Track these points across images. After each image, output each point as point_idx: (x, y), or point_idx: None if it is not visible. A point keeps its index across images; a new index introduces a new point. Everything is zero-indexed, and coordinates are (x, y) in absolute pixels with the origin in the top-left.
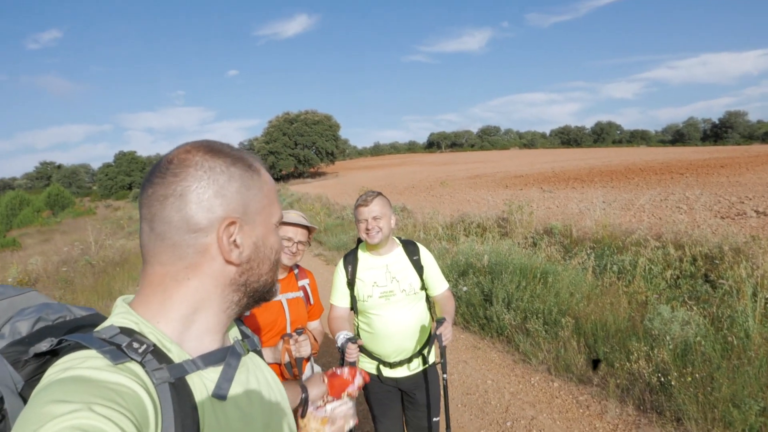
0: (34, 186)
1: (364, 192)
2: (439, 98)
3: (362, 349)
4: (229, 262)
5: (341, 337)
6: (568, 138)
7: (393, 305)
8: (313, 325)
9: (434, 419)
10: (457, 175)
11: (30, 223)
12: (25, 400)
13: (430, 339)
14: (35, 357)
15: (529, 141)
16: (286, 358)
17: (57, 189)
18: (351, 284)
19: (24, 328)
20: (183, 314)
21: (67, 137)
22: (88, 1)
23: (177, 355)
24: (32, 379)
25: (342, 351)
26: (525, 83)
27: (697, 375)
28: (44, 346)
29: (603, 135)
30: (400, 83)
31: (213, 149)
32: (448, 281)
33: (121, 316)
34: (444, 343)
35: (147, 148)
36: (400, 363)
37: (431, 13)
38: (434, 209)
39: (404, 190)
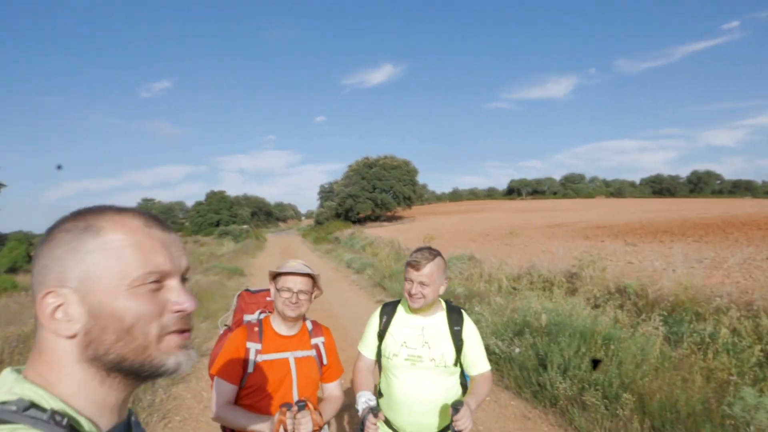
0: None
1: (422, 247)
2: (521, 144)
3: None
4: (58, 335)
5: (363, 401)
6: (660, 187)
7: (418, 372)
8: (331, 388)
9: None
10: (535, 223)
11: None
12: None
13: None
14: None
15: (616, 189)
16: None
17: None
18: (381, 336)
19: None
20: (71, 387)
21: (169, 176)
22: (196, 56)
23: (86, 427)
24: None
25: (362, 421)
26: (613, 130)
27: None
28: None
29: (700, 185)
30: (482, 129)
31: (65, 217)
32: (503, 339)
33: (21, 388)
34: (462, 430)
35: (237, 187)
36: None
37: (515, 61)
38: (502, 259)
39: (477, 237)
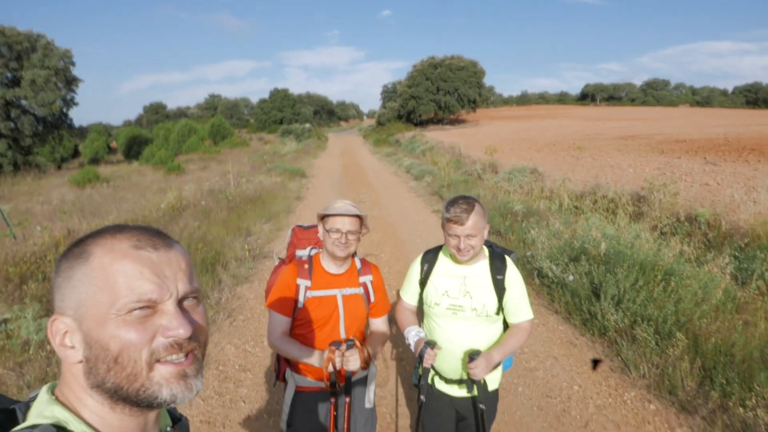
0: (203, 116)
1: (457, 198)
2: (601, 45)
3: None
4: (66, 362)
5: (413, 335)
6: (755, 97)
7: (459, 321)
8: (377, 323)
9: None
10: (607, 134)
11: (195, 150)
12: None
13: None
14: None
15: (704, 98)
16: (330, 368)
17: (219, 120)
18: (422, 284)
19: None
20: (99, 414)
21: (234, 71)
22: None
23: None
24: None
25: (420, 355)
26: (710, 29)
27: None
28: None
29: None
30: (560, 26)
31: (71, 244)
32: (557, 264)
33: (51, 410)
34: (475, 379)
35: (300, 85)
36: (458, 382)
37: None
38: (566, 175)
39: (543, 146)
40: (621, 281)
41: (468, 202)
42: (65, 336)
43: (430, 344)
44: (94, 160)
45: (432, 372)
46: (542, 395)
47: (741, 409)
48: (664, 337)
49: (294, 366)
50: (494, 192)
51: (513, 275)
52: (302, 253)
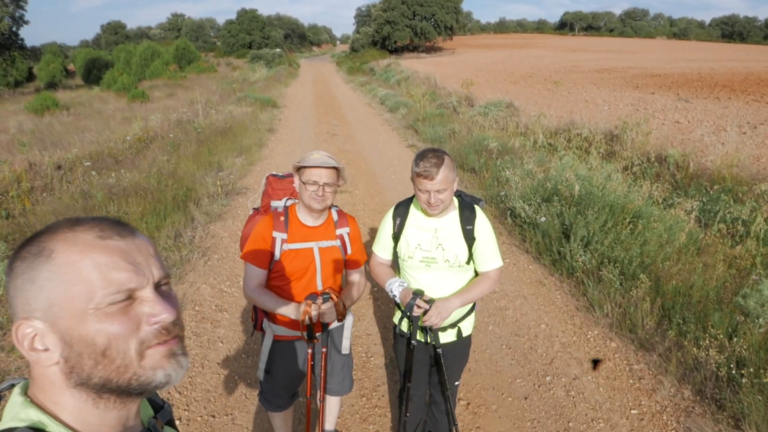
0: (166, 37)
1: (425, 151)
2: None
3: (397, 305)
4: (40, 366)
5: (396, 285)
6: (731, 31)
7: (433, 272)
8: (354, 274)
9: (455, 383)
10: (583, 67)
11: (159, 75)
12: None
13: (467, 314)
14: None
15: (681, 30)
16: (306, 320)
17: (184, 43)
18: (396, 238)
19: None
20: (81, 410)
21: None
22: None
23: None
24: None
25: (409, 305)
26: None
27: None
28: None
29: None
30: None
31: (22, 243)
32: (530, 204)
33: (26, 411)
34: (432, 326)
35: (269, 5)
36: (429, 329)
37: None
38: (542, 110)
39: (519, 78)
40: (591, 223)
41: (437, 155)
42: (34, 340)
43: (418, 294)
44: (51, 85)
45: (408, 321)
46: (511, 333)
47: (695, 349)
48: (629, 278)
49: (271, 316)
50: (469, 127)
51: (482, 225)
52: (278, 204)
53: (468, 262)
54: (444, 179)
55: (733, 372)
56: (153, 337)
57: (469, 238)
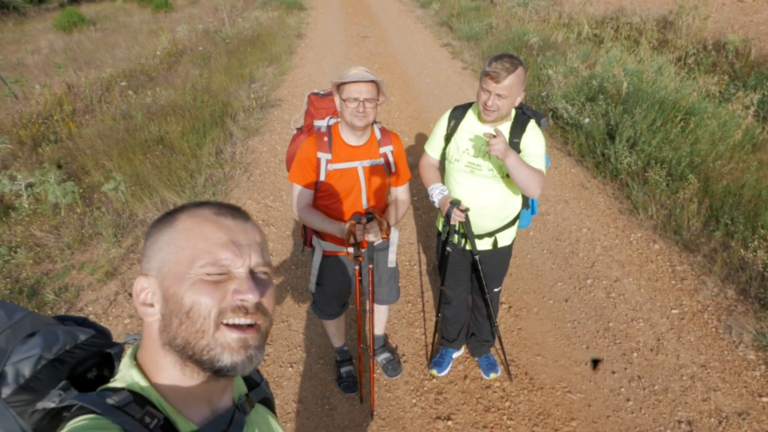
0: None
1: (502, 54)
2: None
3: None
4: (145, 319)
5: (437, 192)
6: None
7: (477, 179)
8: (399, 192)
9: (495, 289)
10: None
11: None
12: None
13: (506, 226)
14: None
15: None
16: (351, 240)
17: None
18: (447, 139)
19: (27, 369)
20: (167, 376)
21: None
22: None
23: (182, 427)
24: (40, 426)
25: (447, 215)
26: None
27: None
28: (51, 401)
29: None
30: None
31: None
32: (573, 104)
33: (130, 374)
34: (493, 153)
35: None
36: (462, 235)
37: None
38: None
39: None
40: (638, 122)
41: (512, 62)
42: (147, 295)
43: (455, 204)
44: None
45: (448, 227)
46: (552, 238)
47: (742, 250)
48: (676, 179)
49: (319, 233)
50: (508, 20)
51: (531, 137)
52: (320, 123)
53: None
54: (509, 86)
55: None
56: (230, 310)
57: (516, 150)
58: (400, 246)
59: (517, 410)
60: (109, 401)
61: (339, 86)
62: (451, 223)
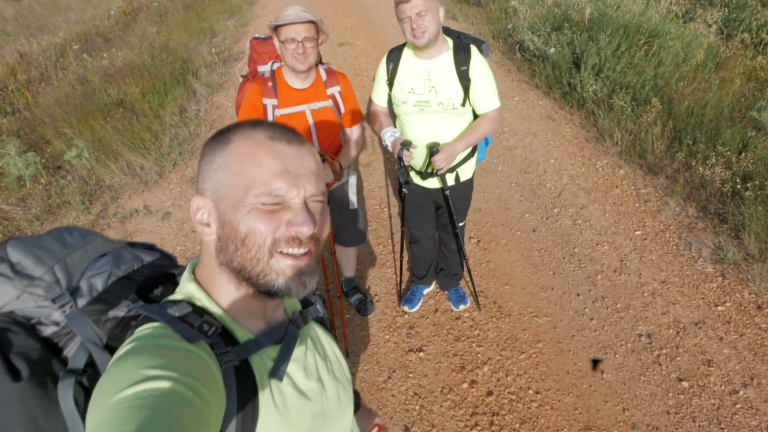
0: None
1: None
2: None
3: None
4: (202, 237)
5: (388, 135)
6: None
7: (427, 116)
8: (351, 132)
9: (459, 224)
10: None
11: None
12: (111, 350)
13: (465, 159)
14: (114, 318)
15: None
16: None
17: None
18: (390, 84)
19: (99, 283)
20: (225, 291)
21: None
22: None
23: (240, 335)
24: (113, 334)
25: (399, 157)
26: None
27: None
28: (122, 311)
29: None
30: None
31: (223, 128)
32: (539, 35)
33: (189, 288)
34: (439, 171)
35: None
36: (431, 175)
37: None
38: None
39: None
40: (603, 48)
41: None
42: (203, 214)
43: (406, 145)
44: None
45: (409, 167)
46: (520, 171)
47: (701, 168)
48: (641, 104)
49: None
50: None
51: (478, 64)
52: (264, 68)
53: (463, 104)
54: (423, 1)
55: (738, 187)
56: (284, 241)
57: (465, 80)
58: (369, 190)
59: (486, 337)
60: (170, 311)
61: (276, 29)
62: (405, 164)
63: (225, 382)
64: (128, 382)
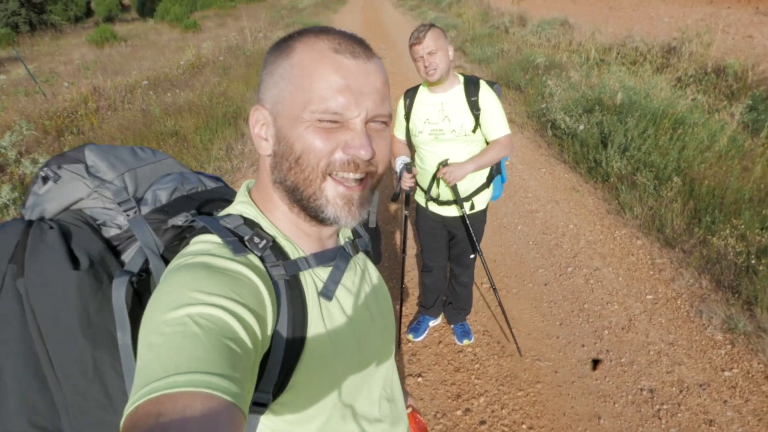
0: None
1: (418, 26)
2: None
3: (416, 182)
4: (259, 150)
5: (399, 162)
6: None
7: (441, 144)
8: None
9: (470, 256)
10: None
11: (210, 5)
12: (165, 261)
13: (480, 188)
14: (172, 227)
15: None
16: None
17: None
18: (407, 117)
19: (163, 196)
20: (279, 210)
21: None
22: None
23: (291, 252)
24: (170, 245)
25: (399, 177)
26: None
27: None
28: (180, 220)
29: None
30: None
31: (289, 34)
32: (570, 115)
33: (243, 205)
34: (449, 183)
35: None
36: (447, 203)
37: None
38: (598, 26)
39: None
40: (630, 130)
41: (425, 25)
42: (262, 127)
43: (408, 167)
44: (109, 19)
45: (425, 196)
46: (539, 232)
47: (715, 239)
48: (663, 182)
49: None
50: (519, 46)
51: (486, 95)
52: None
53: (474, 131)
54: (434, 40)
55: (753, 261)
56: (340, 164)
57: (475, 109)
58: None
59: (485, 372)
60: (222, 222)
61: None
62: (403, 187)
63: (276, 296)
64: (178, 303)
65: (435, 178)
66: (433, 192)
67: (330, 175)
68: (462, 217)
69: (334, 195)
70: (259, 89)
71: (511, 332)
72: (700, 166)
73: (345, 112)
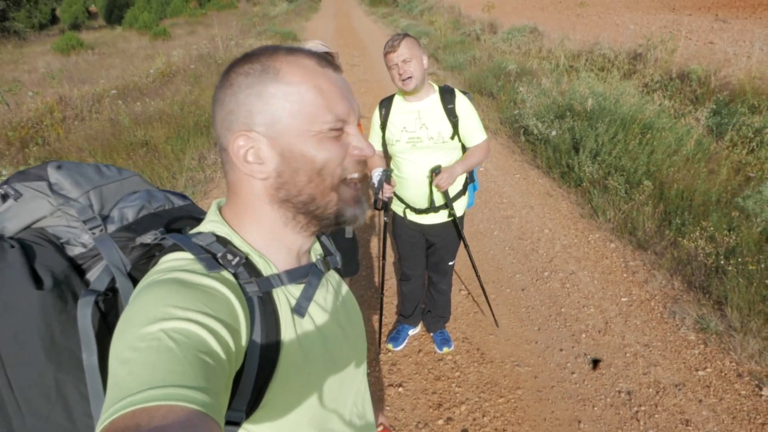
0: None
1: (390, 38)
2: None
3: (394, 192)
4: (253, 178)
5: (376, 174)
6: None
7: (419, 151)
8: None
9: (449, 263)
10: None
11: (180, 13)
12: (132, 280)
13: (458, 195)
14: (140, 245)
15: None
16: None
17: None
18: (383, 127)
19: (130, 214)
20: (259, 228)
21: None
22: None
23: (264, 268)
24: (137, 264)
25: (377, 189)
26: None
27: (763, 265)
28: (148, 238)
29: None
30: None
31: (237, 60)
32: (543, 121)
33: (213, 224)
34: (441, 189)
35: None
36: (425, 211)
37: None
38: (567, 34)
39: (549, 4)
40: (601, 135)
41: (399, 35)
42: (248, 153)
43: (387, 178)
44: (75, 26)
45: (403, 206)
46: (515, 238)
47: (686, 241)
48: (633, 186)
49: None
50: (490, 53)
51: (462, 103)
52: None
53: (452, 138)
54: (408, 48)
55: (722, 261)
56: (352, 166)
57: (452, 116)
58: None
59: (466, 379)
60: (195, 240)
61: None
62: (381, 197)
63: (249, 311)
64: (151, 318)
65: (431, 186)
66: (414, 200)
67: (341, 180)
68: (440, 225)
69: (348, 198)
70: (239, 115)
71: (489, 305)
72: (669, 170)
73: (345, 116)
